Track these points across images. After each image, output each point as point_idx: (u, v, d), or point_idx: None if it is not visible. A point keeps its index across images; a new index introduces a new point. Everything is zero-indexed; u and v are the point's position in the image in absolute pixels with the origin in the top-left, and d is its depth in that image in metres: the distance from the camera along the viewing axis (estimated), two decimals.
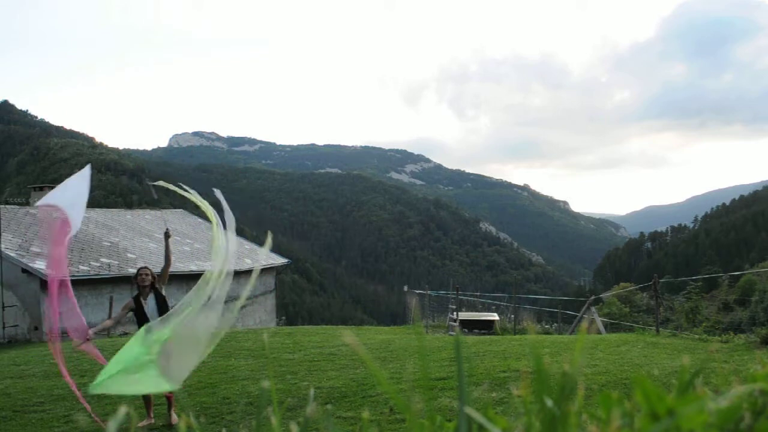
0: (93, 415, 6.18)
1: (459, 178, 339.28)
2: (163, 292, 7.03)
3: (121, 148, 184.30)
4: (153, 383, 4.78)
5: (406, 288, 25.22)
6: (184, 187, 5.70)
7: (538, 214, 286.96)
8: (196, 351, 4.32)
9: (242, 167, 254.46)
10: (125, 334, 16.82)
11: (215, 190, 5.20)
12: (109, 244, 21.72)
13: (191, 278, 22.39)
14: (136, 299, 6.89)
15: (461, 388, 0.72)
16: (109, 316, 17.91)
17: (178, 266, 22.15)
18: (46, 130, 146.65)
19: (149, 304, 6.87)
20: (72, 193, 5.76)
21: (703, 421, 0.67)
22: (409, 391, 0.73)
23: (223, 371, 9.33)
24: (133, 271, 19.92)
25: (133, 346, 5.19)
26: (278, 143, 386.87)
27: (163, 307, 6.87)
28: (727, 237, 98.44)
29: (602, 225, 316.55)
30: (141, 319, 6.76)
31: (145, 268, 7.18)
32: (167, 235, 7.24)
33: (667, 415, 0.67)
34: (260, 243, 37.22)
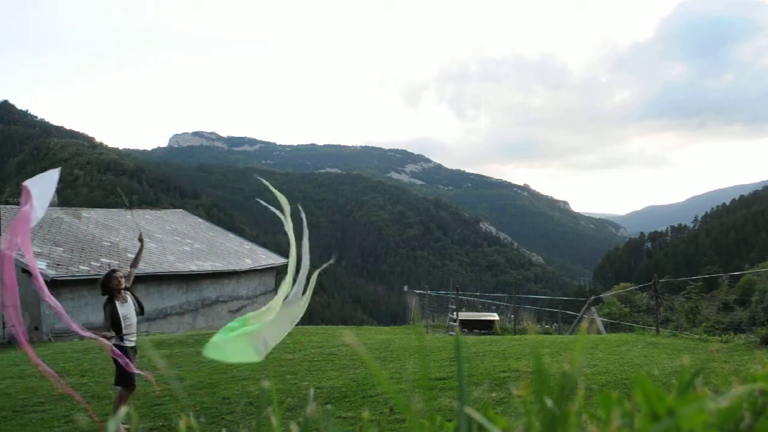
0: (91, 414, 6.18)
1: (459, 178, 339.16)
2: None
3: (121, 148, 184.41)
4: (242, 353, 5.12)
5: (406, 288, 25.21)
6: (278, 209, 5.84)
7: (538, 214, 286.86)
8: (281, 331, 4.77)
9: (242, 167, 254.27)
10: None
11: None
12: (109, 244, 21.72)
13: (191, 278, 22.40)
14: (113, 303, 6.50)
15: (461, 388, 0.72)
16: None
17: (177, 266, 22.15)
18: (46, 130, 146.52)
19: (127, 307, 6.58)
20: (41, 189, 5.75)
21: (703, 421, 0.67)
22: (409, 391, 0.73)
23: (223, 371, 9.32)
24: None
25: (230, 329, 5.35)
26: (278, 143, 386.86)
27: (139, 308, 6.70)
28: (727, 237, 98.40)
29: (602, 225, 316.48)
30: (117, 324, 6.46)
31: (118, 270, 6.89)
32: (141, 239, 7.47)
33: (667, 415, 0.67)
34: (260, 243, 37.19)
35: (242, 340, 5.09)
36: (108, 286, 6.59)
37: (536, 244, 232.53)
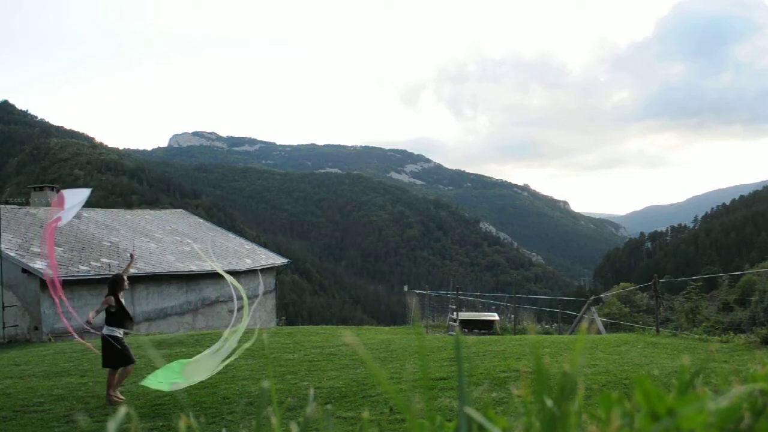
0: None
1: (459, 178, 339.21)
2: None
3: (121, 148, 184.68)
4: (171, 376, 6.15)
5: (406, 288, 25.20)
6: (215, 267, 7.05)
7: (538, 214, 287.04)
8: (205, 371, 5.92)
9: (242, 167, 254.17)
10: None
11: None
12: (109, 244, 21.72)
13: (190, 278, 22.41)
14: (117, 298, 8.24)
15: (461, 388, 0.72)
16: None
17: (177, 266, 22.16)
18: (46, 130, 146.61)
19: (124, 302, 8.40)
20: (72, 201, 6.94)
21: (703, 421, 0.67)
22: (409, 391, 0.73)
23: (223, 371, 9.30)
24: (134, 271, 19.90)
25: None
26: (278, 143, 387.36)
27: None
28: (727, 237, 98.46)
29: (602, 225, 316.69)
30: (121, 313, 8.15)
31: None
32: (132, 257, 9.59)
33: (667, 415, 0.67)
34: (260, 243, 37.22)
35: (176, 368, 6.04)
36: (121, 284, 8.39)
37: (536, 244, 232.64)
